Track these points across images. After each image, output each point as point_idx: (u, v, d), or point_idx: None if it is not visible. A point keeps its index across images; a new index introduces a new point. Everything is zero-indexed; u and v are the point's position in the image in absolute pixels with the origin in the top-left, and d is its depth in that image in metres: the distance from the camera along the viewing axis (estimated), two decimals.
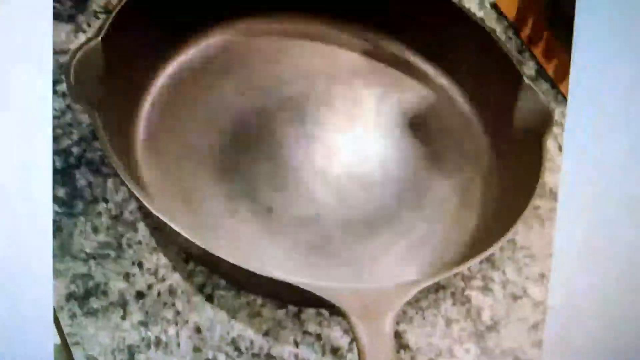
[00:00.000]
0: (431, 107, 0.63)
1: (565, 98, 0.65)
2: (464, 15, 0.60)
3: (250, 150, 0.57)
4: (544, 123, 0.56)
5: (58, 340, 0.48)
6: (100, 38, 0.49)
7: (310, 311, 0.52)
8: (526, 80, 0.57)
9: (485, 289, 0.55)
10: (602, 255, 0.46)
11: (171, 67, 0.59)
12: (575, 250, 0.46)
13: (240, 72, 0.60)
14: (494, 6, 0.71)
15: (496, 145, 0.60)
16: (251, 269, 0.44)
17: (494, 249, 0.49)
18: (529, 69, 0.68)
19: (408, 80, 0.63)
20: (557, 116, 0.60)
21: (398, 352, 0.51)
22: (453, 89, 0.63)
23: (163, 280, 0.51)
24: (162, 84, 0.58)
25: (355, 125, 0.60)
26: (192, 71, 0.59)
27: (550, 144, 0.58)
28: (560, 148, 0.62)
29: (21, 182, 0.42)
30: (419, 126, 0.61)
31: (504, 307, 0.54)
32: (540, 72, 0.68)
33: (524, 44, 0.70)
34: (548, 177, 0.60)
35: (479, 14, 0.70)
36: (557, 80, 0.67)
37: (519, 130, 0.57)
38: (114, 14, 0.51)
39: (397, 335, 0.52)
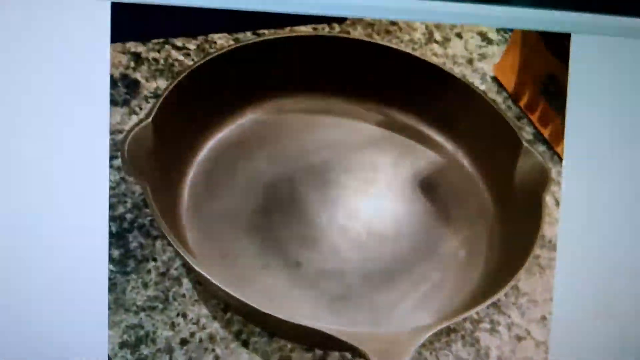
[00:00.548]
0: (440, 170, 0.65)
1: (560, 159, 0.66)
2: (469, 89, 0.62)
3: (280, 212, 0.58)
4: (542, 181, 0.56)
5: None
6: (150, 119, 0.52)
7: (335, 354, 0.52)
8: (525, 144, 0.58)
9: (493, 331, 0.56)
10: (599, 299, 0.48)
11: (211, 142, 0.61)
12: (573, 294, 0.48)
13: (270, 144, 0.63)
14: (495, 80, 0.74)
15: (499, 203, 0.61)
16: (282, 317, 0.45)
17: (499, 295, 0.50)
18: (527, 134, 0.70)
19: (419, 147, 0.66)
20: (554, 175, 0.60)
21: None
22: (459, 153, 0.65)
23: (204, 328, 0.52)
24: (204, 157, 0.60)
25: (373, 188, 0.62)
26: (229, 145, 0.62)
27: (548, 200, 0.59)
28: (557, 203, 0.62)
29: (82, 245, 0.45)
30: (430, 187, 0.63)
31: (509, 347, 0.55)
32: (537, 137, 0.70)
33: (522, 112, 0.72)
34: (547, 230, 0.61)
35: (482, 87, 0.73)
36: (553, 143, 0.68)
37: (520, 188, 0.58)
38: (161, 98, 0.54)
39: None
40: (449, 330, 0.56)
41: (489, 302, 0.50)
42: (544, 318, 0.57)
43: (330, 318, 0.53)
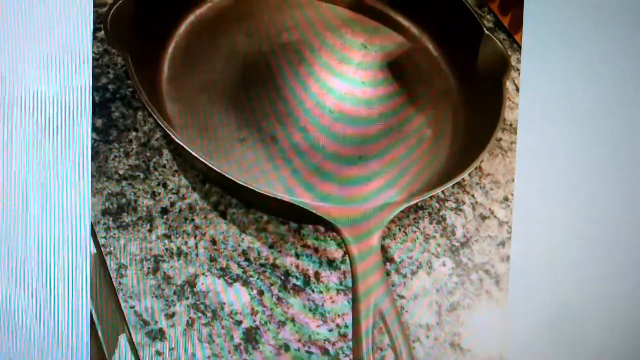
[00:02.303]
0: (406, 52, 0.66)
1: (520, 47, 0.68)
2: None
3: (257, 87, 0.59)
4: (502, 67, 0.58)
5: (94, 250, 0.50)
6: None
7: (309, 227, 0.54)
8: (486, 31, 0.59)
9: (458, 210, 0.58)
10: (557, 181, 0.49)
11: (191, 17, 0.62)
12: (533, 176, 0.49)
13: (248, 21, 0.64)
14: None
15: (463, 86, 0.63)
16: (258, 189, 0.46)
17: (464, 175, 0.51)
18: (488, 21, 0.71)
19: (387, 30, 0.67)
20: (513, 62, 0.62)
21: (384, 264, 0.50)
22: (424, 38, 0.67)
23: (184, 198, 0.53)
24: (184, 31, 0.61)
25: (344, 67, 0.63)
26: (208, 20, 0.62)
27: (509, 86, 0.61)
28: (517, 89, 0.65)
29: (64, 113, 0.45)
30: (397, 69, 0.64)
31: (474, 225, 0.57)
32: (498, 25, 0.71)
33: (483, 0, 0.72)
34: (508, 114, 0.63)
35: None
36: (513, 31, 0.70)
37: (482, 73, 0.60)
38: None
39: (383, 249, 0.53)
40: (416, 208, 0.57)
41: (454, 181, 0.51)
42: (506, 199, 0.59)
43: (304, 192, 0.54)
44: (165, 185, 0.54)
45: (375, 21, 0.67)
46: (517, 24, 0.69)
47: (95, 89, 0.56)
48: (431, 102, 0.62)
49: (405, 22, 0.68)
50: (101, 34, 0.58)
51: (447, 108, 0.62)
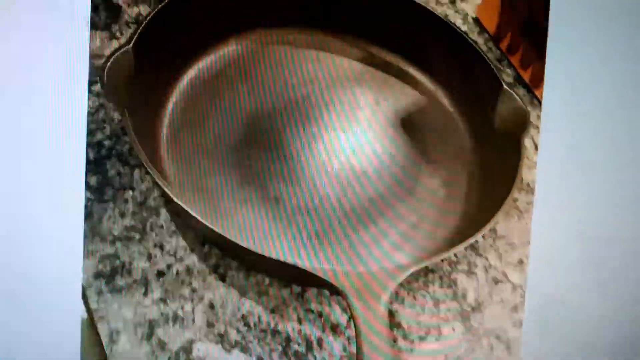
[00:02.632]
0: (420, 108, 0.65)
1: (540, 102, 0.66)
2: (451, 29, 0.62)
3: (261, 146, 0.58)
4: (521, 124, 0.57)
5: (85, 315, 0.48)
6: (131, 45, 0.51)
7: (313, 291, 0.53)
8: (505, 86, 0.58)
9: (470, 273, 0.56)
10: (576, 243, 0.47)
11: (192, 72, 0.61)
12: (551, 238, 0.47)
13: (253, 76, 0.62)
14: (476, 21, 0.74)
15: (479, 144, 0.62)
16: (260, 251, 0.46)
17: (477, 237, 0.50)
18: (507, 76, 0.70)
19: (399, 84, 0.66)
20: (533, 119, 0.61)
21: (391, 329, 0.51)
22: (439, 92, 0.66)
23: (181, 260, 0.52)
24: (184, 86, 0.60)
25: (353, 124, 0.62)
26: (210, 75, 0.61)
27: (527, 144, 0.59)
28: (536, 147, 0.63)
29: (56, 172, 0.43)
30: (410, 126, 0.63)
31: (486, 289, 0.55)
32: (518, 79, 0.70)
33: (503, 54, 0.72)
34: (526, 173, 0.61)
35: (463, 27, 0.73)
36: (533, 86, 0.69)
37: (499, 130, 0.58)
38: (143, 24, 0.53)
39: (390, 314, 0.52)
40: (426, 271, 0.56)
41: (466, 243, 0.50)
42: (521, 262, 0.58)
43: (309, 254, 0.53)
44: (162, 247, 0.53)
45: (387, 74, 0.66)
46: (538, 78, 0.68)
47: (90, 145, 0.55)
48: (445, 161, 0.61)
49: (420, 76, 0.67)
50: (97, 87, 0.57)
51: (462, 167, 0.61)
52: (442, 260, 0.57)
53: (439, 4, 0.75)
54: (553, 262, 0.48)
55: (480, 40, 0.73)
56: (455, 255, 0.57)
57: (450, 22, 0.63)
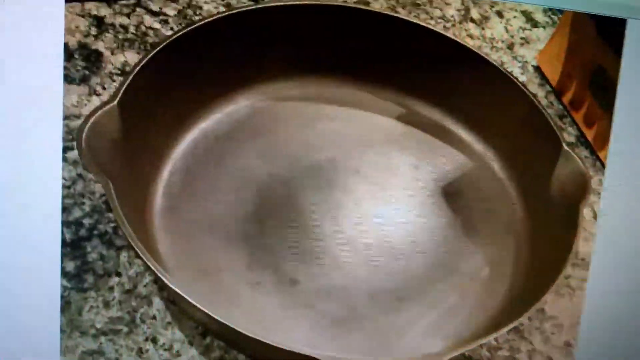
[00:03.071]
0: (466, 175, 0.62)
1: (603, 165, 0.64)
2: (507, 80, 0.59)
3: (275, 220, 0.56)
4: (580, 191, 0.54)
5: None
6: (115, 102, 0.48)
7: None
8: (565, 147, 0.55)
9: (512, 359, 0.54)
10: (629, 326, 0.46)
11: (193, 133, 0.59)
12: (602, 320, 0.46)
13: (265, 138, 0.60)
14: (537, 69, 0.72)
15: (531, 213, 0.59)
16: (272, 343, 0.42)
17: (522, 319, 0.48)
18: (569, 135, 0.68)
19: (443, 146, 0.63)
20: (594, 184, 0.59)
21: None
22: (490, 155, 0.63)
23: (178, 355, 0.49)
24: (183, 151, 0.58)
25: (386, 193, 0.59)
26: (214, 138, 0.59)
27: (585, 212, 0.56)
28: (595, 216, 0.61)
29: (29, 256, 0.42)
30: (453, 195, 0.61)
31: None
32: (580, 139, 0.68)
33: (565, 110, 0.69)
34: (581, 246, 0.60)
35: (522, 78, 0.70)
36: (597, 147, 0.67)
37: (555, 197, 0.56)
38: (131, 76, 0.50)
39: None
40: (463, 358, 0.54)
41: (510, 327, 0.47)
42: (568, 344, 0.55)
43: (330, 344, 0.50)
44: (155, 341, 0.49)
45: (428, 134, 0.63)
46: (603, 138, 0.66)
47: (65, 224, 0.53)
48: (492, 235, 0.58)
49: (467, 137, 0.63)
50: (74, 154, 0.55)
51: (511, 241, 0.58)
52: (480, 346, 0.54)
53: (494, 49, 0.73)
54: (603, 346, 0.47)
55: (540, 93, 0.70)
56: (495, 339, 0.55)
57: (507, 71, 0.60)
